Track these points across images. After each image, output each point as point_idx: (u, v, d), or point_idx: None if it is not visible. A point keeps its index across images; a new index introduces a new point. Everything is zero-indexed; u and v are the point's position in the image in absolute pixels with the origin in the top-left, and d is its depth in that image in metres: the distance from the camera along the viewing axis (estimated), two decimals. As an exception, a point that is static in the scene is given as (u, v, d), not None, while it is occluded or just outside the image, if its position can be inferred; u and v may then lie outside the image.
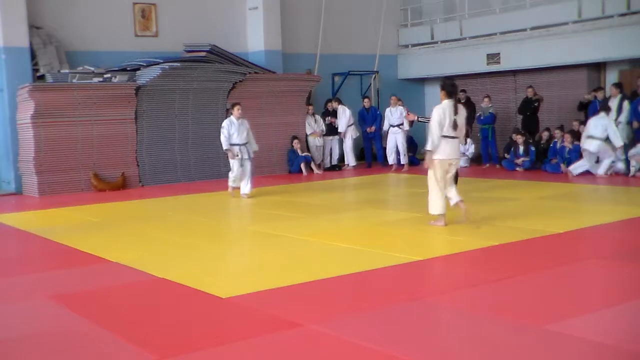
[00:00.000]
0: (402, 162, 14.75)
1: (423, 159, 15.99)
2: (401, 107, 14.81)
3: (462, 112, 7.48)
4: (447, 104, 7.37)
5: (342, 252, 6.51)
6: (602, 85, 14.23)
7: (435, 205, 7.49)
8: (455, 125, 7.30)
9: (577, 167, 12.15)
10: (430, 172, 7.52)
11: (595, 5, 13.79)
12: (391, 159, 14.91)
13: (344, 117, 15.33)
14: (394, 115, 14.83)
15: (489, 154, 14.83)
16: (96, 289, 5.56)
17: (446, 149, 7.35)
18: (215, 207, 10.04)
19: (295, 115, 14.87)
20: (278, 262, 6.51)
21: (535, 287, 5.11)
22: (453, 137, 7.39)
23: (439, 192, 7.43)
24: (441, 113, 7.33)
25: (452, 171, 7.53)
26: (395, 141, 14.82)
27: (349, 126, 15.37)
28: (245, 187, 10.62)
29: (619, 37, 13.40)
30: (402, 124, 14.77)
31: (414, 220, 8.11)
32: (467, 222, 7.52)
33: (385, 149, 15.32)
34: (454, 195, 7.56)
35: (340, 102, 15.54)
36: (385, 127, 15.04)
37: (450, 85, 7.43)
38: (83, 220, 9.19)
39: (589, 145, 11.92)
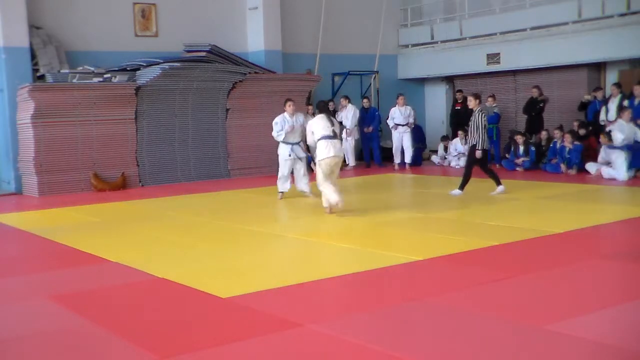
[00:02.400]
0: (405, 161, 14.75)
1: (426, 159, 16.00)
2: (410, 107, 14.89)
3: (336, 122, 9.02)
4: (320, 116, 8.78)
5: (342, 252, 6.51)
6: (602, 86, 14.22)
7: (332, 196, 8.45)
8: (334, 133, 8.65)
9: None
10: (318, 173, 8.65)
11: (595, 5, 13.78)
12: (398, 158, 14.87)
13: (354, 116, 15.28)
14: (403, 115, 14.81)
15: (492, 154, 14.80)
16: (96, 289, 5.56)
17: (330, 149, 8.50)
18: (215, 207, 10.03)
19: (295, 116, 14.84)
20: (278, 262, 6.52)
21: (535, 287, 5.11)
22: (333, 138, 8.61)
23: (329, 186, 8.52)
24: (315, 123, 8.74)
25: (337, 170, 8.67)
26: (401, 140, 14.80)
27: (355, 126, 15.39)
28: (305, 185, 10.31)
29: (619, 37, 13.39)
30: (408, 123, 14.80)
31: (415, 220, 8.12)
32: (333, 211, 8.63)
33: (382, 149, 15.36)
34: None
35: (349, 100, 15.49)
36: (390, 125, 14.99)
37: (322, 106, 9.14)
38: (83, 220, 9.19)
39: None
